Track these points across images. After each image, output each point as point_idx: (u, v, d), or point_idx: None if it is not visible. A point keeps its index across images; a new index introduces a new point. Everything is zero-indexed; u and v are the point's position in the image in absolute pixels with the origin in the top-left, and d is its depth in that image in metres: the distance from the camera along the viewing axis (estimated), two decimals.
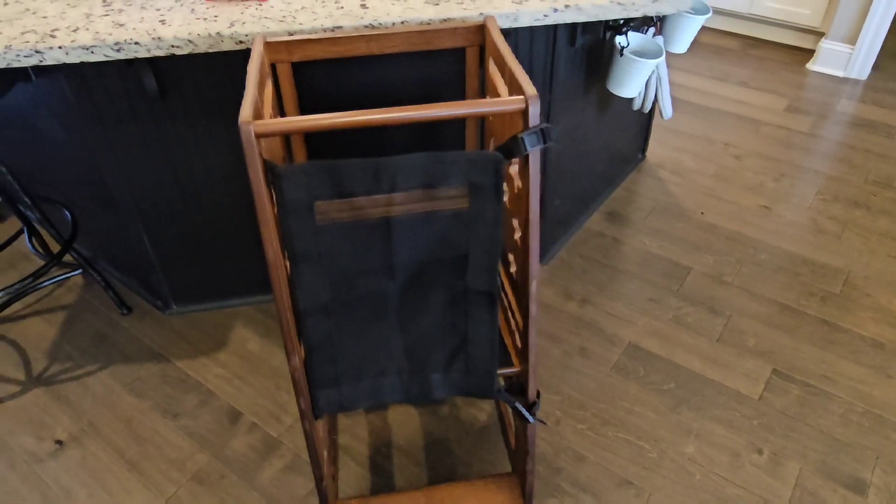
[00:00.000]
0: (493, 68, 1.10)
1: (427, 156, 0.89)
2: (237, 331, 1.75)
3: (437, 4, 1.16)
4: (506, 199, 1.12)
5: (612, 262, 1.93)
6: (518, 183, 0.99)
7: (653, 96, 1.72)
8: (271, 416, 1.54)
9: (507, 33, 1.42)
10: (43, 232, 2.05)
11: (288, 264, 0.99)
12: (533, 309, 1.02)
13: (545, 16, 1.15)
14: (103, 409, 1.56)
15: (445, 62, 1.26)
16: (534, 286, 1.00)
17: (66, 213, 1.69)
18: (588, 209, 2.08)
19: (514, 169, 1.04)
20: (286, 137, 1.21)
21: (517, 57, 1.48)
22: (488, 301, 1.02)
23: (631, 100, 1.76)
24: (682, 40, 1.76)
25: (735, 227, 2.05)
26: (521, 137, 0.87)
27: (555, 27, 1.45)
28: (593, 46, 1.64)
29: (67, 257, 1.96)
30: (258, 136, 0.83)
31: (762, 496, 1.36)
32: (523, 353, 1.09)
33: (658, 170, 2.29)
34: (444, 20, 1.11)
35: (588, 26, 1.50)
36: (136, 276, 1.82)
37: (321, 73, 1.23)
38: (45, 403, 1.58)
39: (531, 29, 1.43)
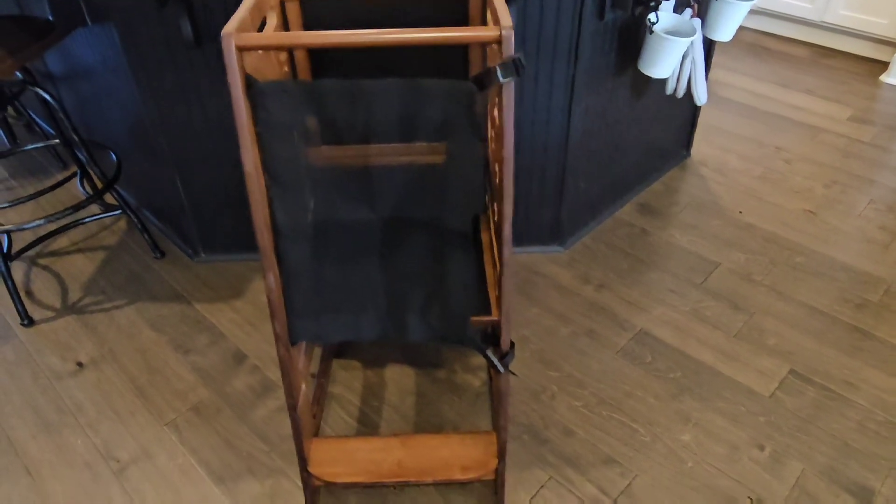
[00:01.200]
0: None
1: (402, 82, 0.91)
2: (256, 282, 1.81)
3: None
4: (492, 146, 1.12)
5: (637, 252, 1.88)
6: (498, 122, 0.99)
7: (686, 80, 1.68)
8: (273, 361, 1.58)
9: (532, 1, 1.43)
10: (96, 179, 2.20)
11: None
12: (506, 252, 1.02)
13: None
14: (124, 340, 1.66)
15: (452, 7, 1.27)
16: (507, 228, 1.00)
17: (112, 155, 1.82)
18: (620, 199, 2.03)
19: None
20: (293, 71, 1.25)
21: (540, 29, 1.48)
22: (463, 242, 1.02)
23: (664, 84, 1.72)
24: (724, 27, 1.71)
25: (774, 228, 1.95)
26: (495, 68, 0.88)
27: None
28: (627, 24, 1.62)
29: (113, 201, 2.09)
30: (239, 48, 0.87)
31: (755, 491, 1.29)
32: (498, 301, 1.08)
33: (701, 167, 2.22)
34: None
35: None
36: (171, 223, 1.92)
37: (329, 13, 1.26)
38: (74, 329, 1.69)
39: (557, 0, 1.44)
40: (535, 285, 1.78)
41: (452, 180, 0.98)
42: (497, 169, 1.04)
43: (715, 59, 2.94)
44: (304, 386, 1.21)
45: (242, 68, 0.89)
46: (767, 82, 2.74)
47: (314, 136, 0.97)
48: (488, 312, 1.14)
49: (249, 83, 0.91)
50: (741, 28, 3.25)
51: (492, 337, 1.13)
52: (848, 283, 1.76)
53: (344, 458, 1.23)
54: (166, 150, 1.67)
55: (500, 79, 0.88)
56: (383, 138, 0.95)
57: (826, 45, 2.99)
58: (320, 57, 1.33)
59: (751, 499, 1.27)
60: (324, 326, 1.10)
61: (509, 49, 0.88)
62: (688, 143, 2.25)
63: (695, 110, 2.17)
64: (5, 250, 1.67)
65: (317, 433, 1.32)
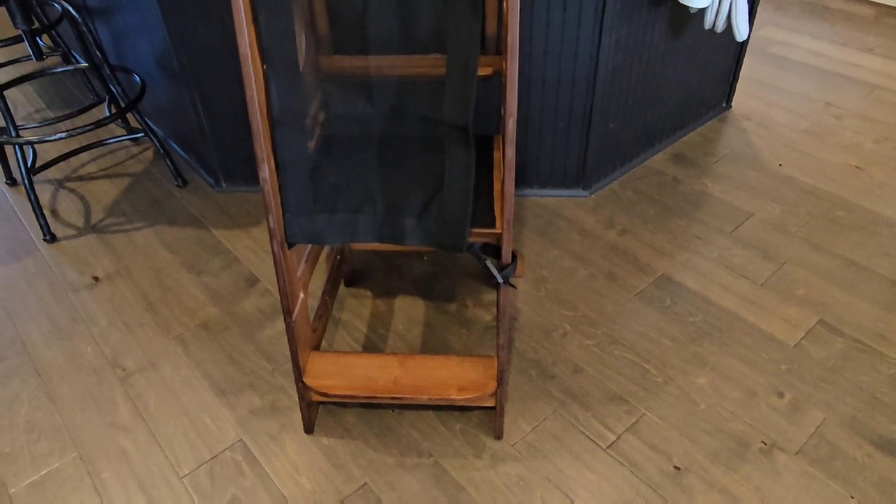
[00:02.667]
0: None
1: None
2: None
3: None
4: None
5: (665, 200, 1.80)
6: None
7: (726, 11, 1.58)
8: None
9: None
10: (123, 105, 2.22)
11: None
12: (508, 152, 0.97)
13: None
14: (140, 258, 1.67)
15: None
16: (510, 123, 0.94)
17: (136, 77, 1.82)
18: (652, 147, 1.95)
19: None
20: None
21: None
22: (463, 138, 0.97)
23: (702, 18, 1.62)
24: None
25: (815, 181, 1.84)
26: None
27: None
28: None
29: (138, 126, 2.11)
30: None
31: (770, 437, 1.22)
32: (501, 210, 1.03)
33: (742, 120, 2.11)
34: None
35: None
36: (195, 153, 1.93)
37: None
38: (93, 247, 1.72)
39: None
40: (556, 228, 1.72)
41: (452, 75, 0.93)
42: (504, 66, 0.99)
43: (770, 18, 2.79)
44: (302, 295, 1.19)
45: None
46: (825, 41, 2.59)
47: (304, 29, 0.94)
48: (492, 225, 1.10)
49: None
50: None
51: (495, 249, 1.09)
52: (890, 238, 1.64)
53: (339, 372, 1.20)
54: (188, 72, 1.67)
55: None
56: (380, 28, 0.91)
57: (892, 3, 2.80)
58: None
59: (764, 443, 1.20)
60: (319, 226, 1.07)
61: None
62: (728, 94, 2.14)
63: (737, 58, 2.06)
64: (29, 164, 1.70)
65: (317, 348, 1.30)
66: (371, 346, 1.42)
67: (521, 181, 1.82)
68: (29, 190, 1.69)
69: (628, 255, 1.63)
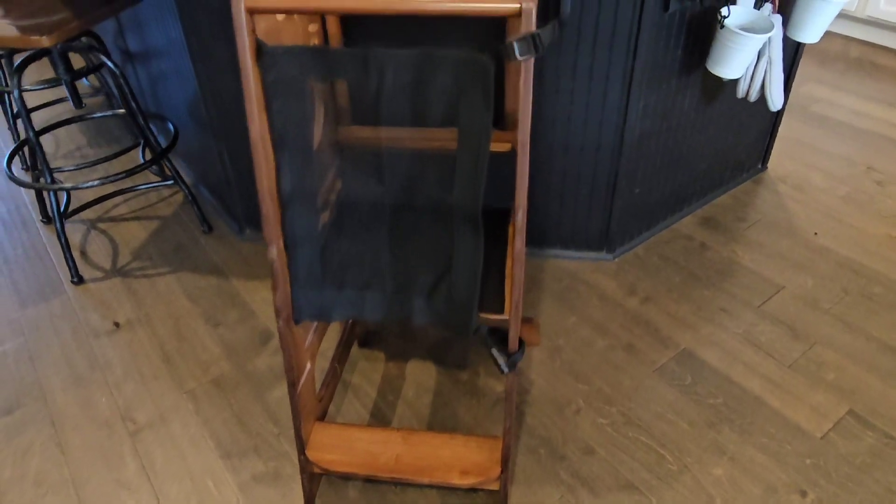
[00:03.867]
0: None
1: (416, 51, 0.86)
2: None
3: None
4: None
5: (692, 267, 1.74)
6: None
7: (760, 81, 1.54)
8: None
9: None
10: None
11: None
12: (518, 243, 0.94)
13: None
14: (160, 305, 1.69)
15: None
16: (520, 217, 0.92)
17: (170, 125, 1.86)
18: (680, 210, 1.90)
19: None
20: (325, 38, 1.22)
21: (598, 17, 1.39)
22: (472, 224, 0.96)
23: (735, 86, 1.58)
24: (811, 27, 1.56)
25: (852, 253, 1.77)
26: (512, 43, 0.81)
27: None
28: (695, 17, 1.50)
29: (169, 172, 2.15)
30: (249, 10, 0.84)
31: None
32: (510, 297, 1.01)
33: (778, 183, 2.05)
34: None
35: None
36: (221, 200, 1.96)
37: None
38: (117, 291, 1.75)
39: None
40: (576, 293, 1.68)
41: (462, 160, 0.91)
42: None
43: (813, 73, 2.72)
44: (309, 365, 1.18)
45: (253, 32, 0.87)
46: (871, 100, 2.51)
47: (325, 104, 0.94)
48: (501, 310, 1.07)
49: (260, 48, 0.88)
50: (846, 41, 2.99)
51: (502, 334, 1.06)
52: None
53: (342, 446, 1.19)
54: (216, 123, 1.70)
55: (517, 55, 0.82)
56: (394, 109, 0.91)
57: None
58: (353, 28, 1.30)
59: None
60: (327, 302, 1.06)
61: (529, 24, 0.81)
62: (764, 155, 2.08)
63: (774, 119, 2.00)
64: (62, 209, 1.74)
65: (323, 417, 1.29)
66: (379, 414, 1.40)
67: (542, 241, 1.79)
68: (60, 234, 1.74)
69: (649, 326, 1.58)
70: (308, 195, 0.98)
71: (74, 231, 1.97)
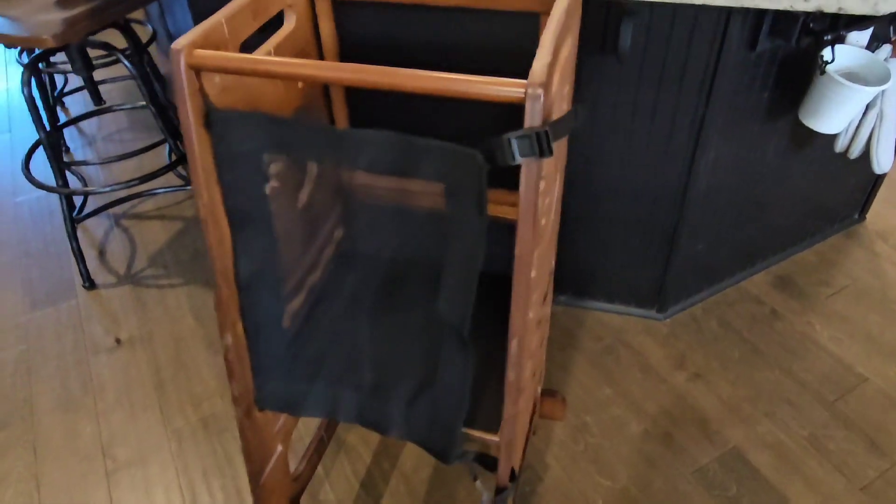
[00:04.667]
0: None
1: (396, 136, 0.67)
2: None
3: None
4: None
5: (756, 339, 1.49)
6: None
7: (865, 139, 1.25)
8: None
9: (660, 15, 1.10)
10: None
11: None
12: (511, 375, 0.76)
13: None
14: (166, 323, 1.60)
15: (516, 26, 0.98)
16: (514, 346, 0.73)
17: None
18: (751, 265, 1.64)
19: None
20: (326, 93, 1.05)
21: (666, 51, 1.15)
22: (459, 341, 0.77)
23: (832, 138, 1.30)
24: None
25: None
26: (509, 139, 0.61)
27: (727, 19, 1.08)
28: (788, 58, 1.22)
29: None
30: (192, 68, 0.68)
31: None
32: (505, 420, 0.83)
33: (877, 240, 1.74)
34: None
35: (780, 25, 1.11)
36: None
37: (367, 18, 1.02)
38: (126, 301, 1.66)
39: (694, 16, 1.09)
40: (616, 358, 1.47)
41: (450, 268, 0.73)
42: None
43: None
44: (280, 448, 1.04)
45: (199, 92, 0.70)
46: None
47: (286, 181, 0.77)
48: (495, 428, 0.89)
49: (208, 112, 0.71)
50: None
51: (492, 462, 0.88)
52: None
53: None
54: None
55: (516, 157, 0.62)
56: (367, 186, 0.73)
57: None
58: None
59: None
60: (294, 395, 0.91)
61: (534, 117, 0.60)
62: (863, 204, 1.76)
63: None
64: (76, 212, 1.67)
65: (298, 496, 1.15)
66: (370, 484, 1.26)
67: (584, 292, 1.57)
68: (71, 238, 1.66)
69: (696, 412, 1.35)
70: (269, 280, 0.82)
71: (98, 226, 1.90)
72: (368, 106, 1.08)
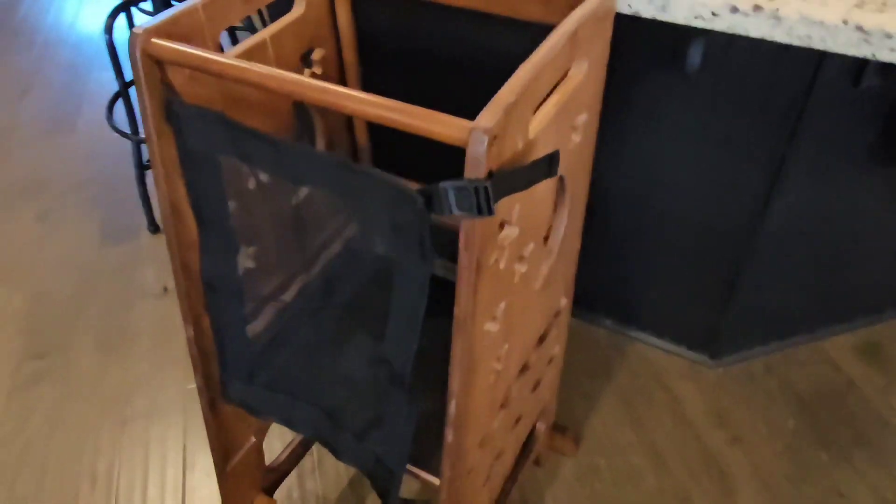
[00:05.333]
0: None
1: (339, 161, 0.60)
2: None
3: None
4: None
5: (822, 412, 1.30)
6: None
7: None
8: None
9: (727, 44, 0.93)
10: None
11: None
12: (449, 436, 0.67)
13: (744, 15, 0.67)
14: None
15: (540, 34, 0.86)
16: (453, 406, 0.65)
17: None
18: (833, 324, 1.42)
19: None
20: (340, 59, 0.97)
21: (743, 77, 0.98)
22: (402, 390, 0.70)
23: None
24: None
25: None
26: (445, 189, 0.52)
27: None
28: None
29: None
30: (148, 56, 0.63)
31: None
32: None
33: None
34: None
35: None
36: None
37: (387, 11, 0.93)
38: None
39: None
40: (648, 400, 1.33)
41: (395, 311, 0.65)
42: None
43: None
44: (253, 440, 1.02)
45: (160, 84, 0.66)
46: None
47: (242, 182, 0.72)
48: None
49: (169, 104, 0.67)
50: None
51: None
52: None
53: None
54: None
55: (453, 209, 0.53)
56: (315, 227, 0.67)
57: None
58: (372, 55, 1.02)
59: None
60: (254, 398, 0.89)
61: (476, 167, 0.51)
62: None
63: None
64: (144, 161, 1.73)
65: (274, 486, 1.14)
66: (358, 481, 1.22)
67: (630, 320, 1.44)
68: (138, 183, 1.73)
69: (725, 480, 1.20)
70: (230, 286, 0.79)
71: None
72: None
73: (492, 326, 0.67)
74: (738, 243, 1.19)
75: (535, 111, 0.60)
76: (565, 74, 0.68)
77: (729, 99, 1.02)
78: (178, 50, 0.62)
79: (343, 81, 0.93)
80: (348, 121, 0.96)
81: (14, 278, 1.68)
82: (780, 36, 0.66)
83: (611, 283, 1.40)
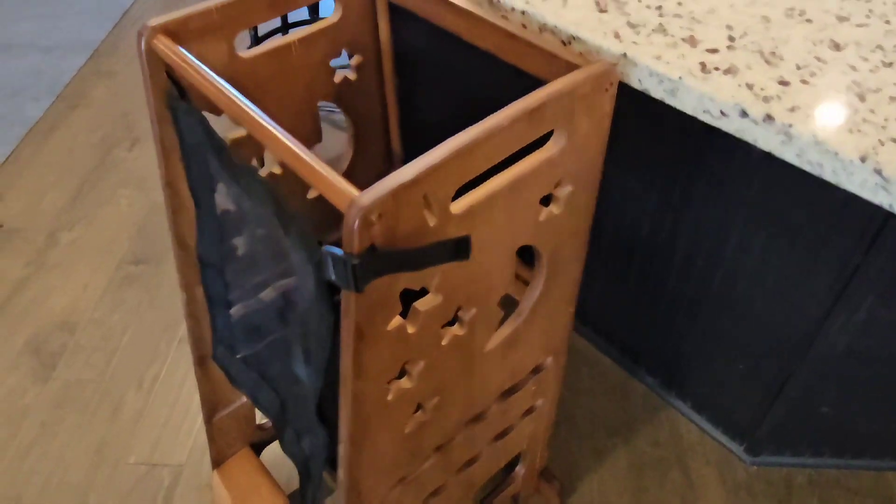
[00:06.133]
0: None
1: (274, 196, 0.61)
2: None
3: (605, 12, 0.69)
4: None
5: None
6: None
7: None
8: None
9: None
10: None
11: None
12: (341, 472, 0.68)
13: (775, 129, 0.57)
14: None
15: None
16: (343, 449, 0.65)
17: None
18: (892, 452, 1.21)
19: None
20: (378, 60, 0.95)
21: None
22: (317, 416, 0.72)
23: None
24: None
25: None
26: (326, 255, 0.51)
27: None
28: None
29: None
30: (151, 52, 0.68)
31: None
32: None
33: None
34: (544, 29, 0.67)
35: None
36: None
37: (420, 32, 0.89)
38: None
39: None
40: (662, 477, 1.24)
41: (305, 348, 0.67)
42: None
43: None
44: (243, 399, 1.10)
45: (160, 72, 0.71)
46: None
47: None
48: None
49: (169, 94, 0.72)
50: None
51: None
52: None
53: (245, 483, 1.12)
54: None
55: (330, 273, 0.52)
56: (254, 247, 0.69)
57: None
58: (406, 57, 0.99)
59: None
60: (234, 367, 0.95)
61: (349, 241, 0.50)
62: None
63: None
64: None
65: (264, 443, 1.21)
66: None
67: (673, 384, 1.33)
68: None
69: None
70: (216, 266, 0.84)
71: None
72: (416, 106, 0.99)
73: (406, 383, 0.66)
74: (788, 354, 1.05)
75: (473, 182, 0.57)
76: (542, 143, 0.63)
77: (807, 187, 0.89)
78: (169, 52, 0.66)
79: (381, 90, 0.93)
80: (384, 128, 0.97)
81: (146, 186, 1.89)
82: (789, 156, 0.56)
83: (659, 342, 1.30)
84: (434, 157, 0.51)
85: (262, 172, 0.86)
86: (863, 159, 0.52)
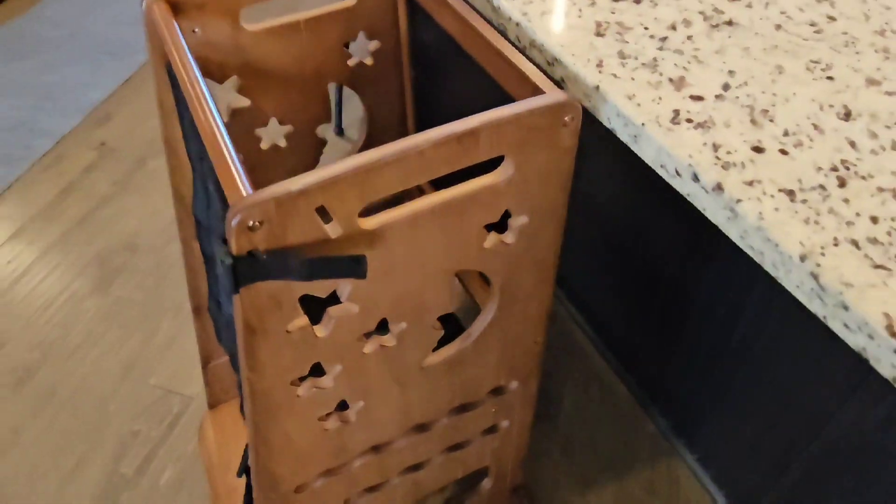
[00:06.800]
0: None
1: (221, 196, 0.62)
2: None
3: (601, 36, 0.62)
4: None
5: None
6: None
7: None
8: None
9: None
10: None
11: None
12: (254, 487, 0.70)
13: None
14: None
15: None
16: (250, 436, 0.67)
17: None
18: None
19: None
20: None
21: None
22: None
23: None
24: None
25: None
26: (218, 244, 0.51)
27: None
28: None
29: None
30: (151, 21, 0.70)
31: None
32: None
33: None
34: (533, 46, 0.61)
35: None
36: None
37: (437, 27, 0.84)
38: None
39: None
40: (624, 485, 1.17)
41: None
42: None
43: None
44: None
45: (160, 40, 0.73)
46: None
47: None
48: None
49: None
50: None
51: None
52: None
53: (234, 430, 1.18)
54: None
55: (225, 264, 0.52)
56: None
57: None
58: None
59: None
60: (220, 323, 0.99)
61: (230, 240, 0.49)
62: None
63: None
64: None
65: None
66: None
67: (684, 433, 1.24)
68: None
69: None
70: (208, 228, 0.87)
71: None
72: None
73: (322, 383, 0.66)
74: (810, 420, 0.94)
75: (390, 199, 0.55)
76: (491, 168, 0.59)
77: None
78: (160, 20, 0.68)
79: (398, 79, 0.91)
80: (399, 118, 0.95)
81: None
82: (734, 235, 0.49)
83: (676, 384, 1.22)
84: (332, 171, 0.50)
85: (263, 146, 0.88)
86: (803, 258, 0.45)
